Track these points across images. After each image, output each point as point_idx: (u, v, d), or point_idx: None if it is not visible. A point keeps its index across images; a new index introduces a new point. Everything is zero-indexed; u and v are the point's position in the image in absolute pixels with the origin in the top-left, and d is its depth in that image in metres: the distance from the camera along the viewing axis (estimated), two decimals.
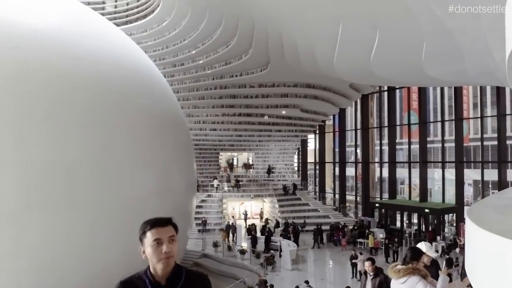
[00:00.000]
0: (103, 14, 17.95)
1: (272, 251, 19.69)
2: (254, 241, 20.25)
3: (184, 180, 12.14)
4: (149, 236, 1.74)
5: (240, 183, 28.71)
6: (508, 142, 22.26)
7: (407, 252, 4.28)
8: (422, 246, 4.93)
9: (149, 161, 10.32)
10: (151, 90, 11.62)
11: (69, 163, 8.21)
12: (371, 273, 6.57)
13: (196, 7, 19.60)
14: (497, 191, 16.75)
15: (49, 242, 7.87)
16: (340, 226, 23.31)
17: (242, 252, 19.44)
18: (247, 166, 32.24)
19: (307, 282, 13.41)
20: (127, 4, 24.76)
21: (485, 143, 22.54)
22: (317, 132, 32.79)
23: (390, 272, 4.04)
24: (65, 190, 8.07)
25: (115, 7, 25.06)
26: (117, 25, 17.57)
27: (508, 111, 22.11)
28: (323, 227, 23.04)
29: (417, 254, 4.26)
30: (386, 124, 27.02)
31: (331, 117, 31.22)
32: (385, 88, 26.88)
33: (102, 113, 9.31)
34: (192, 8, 19.94)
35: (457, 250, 17.95)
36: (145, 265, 1.82)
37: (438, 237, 20.22)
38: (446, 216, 22.91)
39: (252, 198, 28.51)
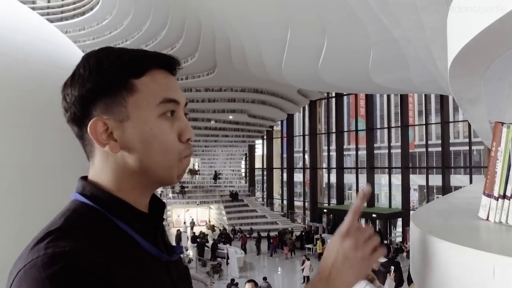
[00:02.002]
0: (34, 9, 16.62)
1: (219, 259, 19.19)
2: (200, 248, 19.65)
3: None
4: (154, 88, 0.72)
5: (185, 189, 27.95)
6: (451, 148, 23.30)
7: None
8: None
9: (85, 166, 9.56)
10: None
11: None
12: None
13: (140, 6, 18.82)
14: (441, 195, 17.57)
15: None
16: (288, 232, 23.27)
17: (188, 260, 18.80)
18: (192, 172, 31.53)
19: (265, 278, 13.38)
20: None
21: (429, 149, 23.42)
22: (265, 137, 32.80)
23: None
24: None
25: (48, 1, 23.54)
26: (51, 21, 16.37)
27: (451, 119, 23.25)
28: (271, 233, 22.93)
29: None
30: (334, 130, 27.49)
31: (279, 122, 31.36)
32: (333, 95, 27.38)
33: (31, 115, 8.48)
34: (135, 7, 19.13)
35: (404, 254, 18.47)
36: None
37: (385, 242, 20.73)
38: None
39: (198, 205, 27.85)
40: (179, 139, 0.74)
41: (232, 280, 13.38)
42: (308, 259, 16.17)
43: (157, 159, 0.72)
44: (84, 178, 0.77)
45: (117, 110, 0.70)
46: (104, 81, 0.69)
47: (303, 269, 15.69)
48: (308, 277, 15.52)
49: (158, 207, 0.81)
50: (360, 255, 0.78)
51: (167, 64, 0.76)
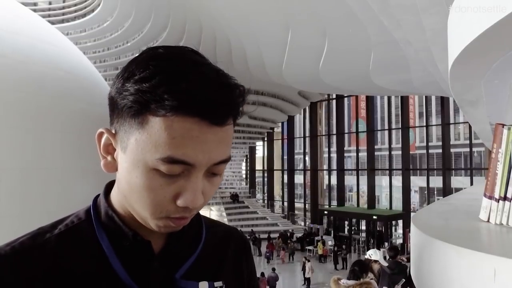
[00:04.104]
0: (35, 11, 16.69)
1: None
2: None
3: None
4: (163, 137, 0.55)
5: None
6: (452, 150, 23.31)
7: (356, 266, 4.13)
8: (376, 254, 4.87)
9: (86, 168, 9.56)
10: (89, 93, 10.88)
11: None
12: None
13: (141, 8, 18.84)
14: (441, 197, 17.59)
15: None
16: (289, 234, 23.22)
17: None
18: None
19: (273, 269, 13.99)
20: (64, 1, 23.38)
21: (430, 151, 23.37)
22: (266, 139, 32.79)
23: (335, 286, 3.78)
24: None
25: (50, 3, 23.60)
26: (52, 23, 16.44)
27: (451, 120, 23.23)
28: (272, 235, 22.92)
29: (365, 267, 4.17)
30: (334, 131, 27.47)
31: (280, 124, 31.36)
32: (334, 96, 27.37)
33: (32, 117, 8.48)
34: (136, 10, 19.15)
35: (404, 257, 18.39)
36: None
37: (386, 243, 20.68)
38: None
39: None
40: (174, 200, 0.59)
41: (273, 269, 13.82)
42: (309, 261, 16.12)
43: (135, 206, 0.61)
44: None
45: (121, 135, 0.60)
46: (120, 98, 0.58)
47: (304, 271, 15.65)
48: (309, 278, 15.46)
49: (190, 240, 0.72)
50: None
51: (203, 113, 0.55)
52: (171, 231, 0.64)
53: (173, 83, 0.55)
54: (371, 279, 4.29)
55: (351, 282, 3.83)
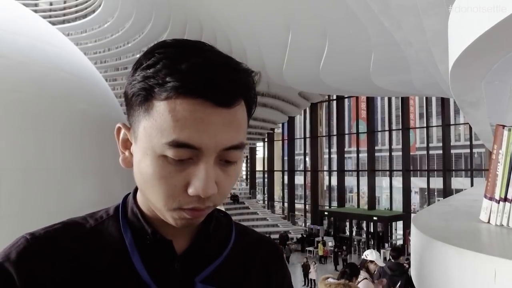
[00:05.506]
0: (36, 11, 16.73)
1: None
2: None
3: (126, 189, 11.57)
4: (168, 121, 0.54)
5: None
6: (452, 151, 23.32)
7: (347, 268, 4.19)
8: (373, 254, 4.89)
9: (86, 169, 9.58)
10: (90, 94, 10.90)
11: None
12: None
13: (141, 9, 18.87)
14: (442, 198, 17.59)
15: None
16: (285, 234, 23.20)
17: None
18: None
19: None
20: (65, 2, 23.44)
21: (430, 152, 23.39)
22: (266, 140, 32.79)
23: (321, 285, 3.85)
24: None
25: (51, 4, 23.67)
26: (53, 24, 16.49)
27: (452, 121, 23.27)
28: (272, 236, 22.94)
29: (357, 270, 4.20)
30: (335, 132, 27.46)
31: (280, 125, 31.36)
32: (334, 97, 27.36)
33: (32, 118, 8.48)
34: (137, 11, 19.19)
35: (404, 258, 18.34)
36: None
37: (386, 244, 20.69)
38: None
39: None
40: (186, 189, 0.57)
41: None
42: (314, 263, 16.11)
43: (150, 197, 0.60)
44: None
45: (133, 126, 0.60)
46: (129, 88, 0.58)
47: (308, 272, 15.63)
48: (314, 280, 15.43)
49: (218, 241, 0.71)
50: None
51: (206, 94, 0.54)
52: (188, 225, 0.61)
53: (175, 65, 0.54)
54: (365, 278, 4.37)
55: (333, 281, 3.87)
